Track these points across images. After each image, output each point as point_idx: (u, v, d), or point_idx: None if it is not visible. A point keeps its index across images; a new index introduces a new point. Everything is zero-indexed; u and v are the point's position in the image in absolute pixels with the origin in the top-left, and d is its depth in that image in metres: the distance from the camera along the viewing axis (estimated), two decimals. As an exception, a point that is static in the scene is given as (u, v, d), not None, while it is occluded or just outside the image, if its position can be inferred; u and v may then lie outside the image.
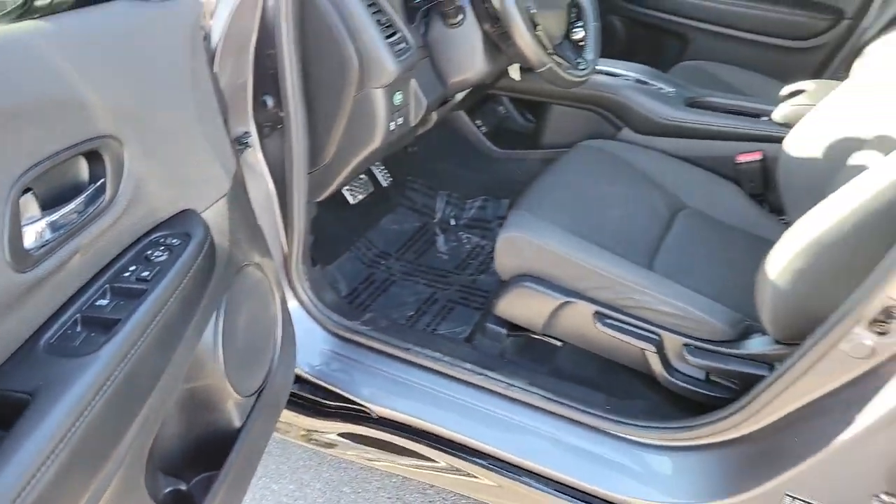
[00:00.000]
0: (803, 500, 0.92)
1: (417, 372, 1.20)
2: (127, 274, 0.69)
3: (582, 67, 1.30)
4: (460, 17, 1.24)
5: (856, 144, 1.11)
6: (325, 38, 1.11)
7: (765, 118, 1.50)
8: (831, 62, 2.07)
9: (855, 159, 1.08)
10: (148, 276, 0.69)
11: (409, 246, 1.74)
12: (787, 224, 1.04)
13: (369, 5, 1.14)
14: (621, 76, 1.66)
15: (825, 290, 0.90)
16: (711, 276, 1.20)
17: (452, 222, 1.82)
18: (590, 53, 1.36)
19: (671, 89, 1.63)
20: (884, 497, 0.85)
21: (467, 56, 1.28)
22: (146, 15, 0.75)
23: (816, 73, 2.11)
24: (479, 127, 1.83)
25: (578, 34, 1.36)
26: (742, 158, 1.49)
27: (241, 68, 0.99)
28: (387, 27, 1.16)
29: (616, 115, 1.62)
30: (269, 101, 1.06)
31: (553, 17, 1.28)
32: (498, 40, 1.26)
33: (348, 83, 1.15)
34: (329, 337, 1.27)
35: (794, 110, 1.44)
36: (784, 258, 0.94)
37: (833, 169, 1.11)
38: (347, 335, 1.25)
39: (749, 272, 1.02)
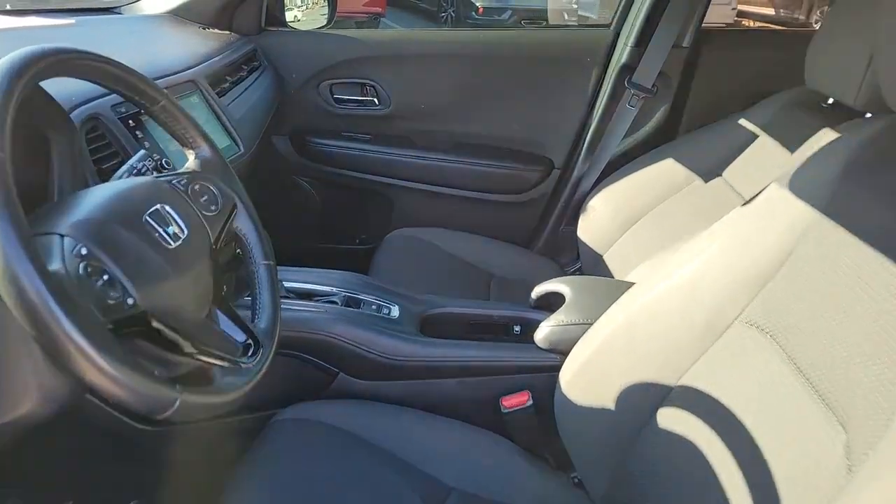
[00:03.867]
0: None
1: None
2: None
3: (249, 363, 0.75)
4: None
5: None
6: None
7: (530, 345, 1.11)
8: (551, 214, 1.85)
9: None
10: None
11: None
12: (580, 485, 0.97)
13: None
14: (323, 299, 1.16)
15: None
16: None
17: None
18: (263, 319, 0.83)
19: (394, 307, 1.18)
20: None
21: None
22: None
23: (538, 227, 1.90)
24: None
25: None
26: (508, 404, 1.08)
27: None
28: None
29: (327, 360, 1.11)
30: None
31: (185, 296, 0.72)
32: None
33: None
34: None
35: (560, 332, 1.07)
36: None
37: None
38: None
39: None
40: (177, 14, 1.66)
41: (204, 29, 1.63)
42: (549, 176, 1.85)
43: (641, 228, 1.55)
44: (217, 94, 1.34)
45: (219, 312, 0.78)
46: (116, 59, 0.75)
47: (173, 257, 0.68)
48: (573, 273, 1.80)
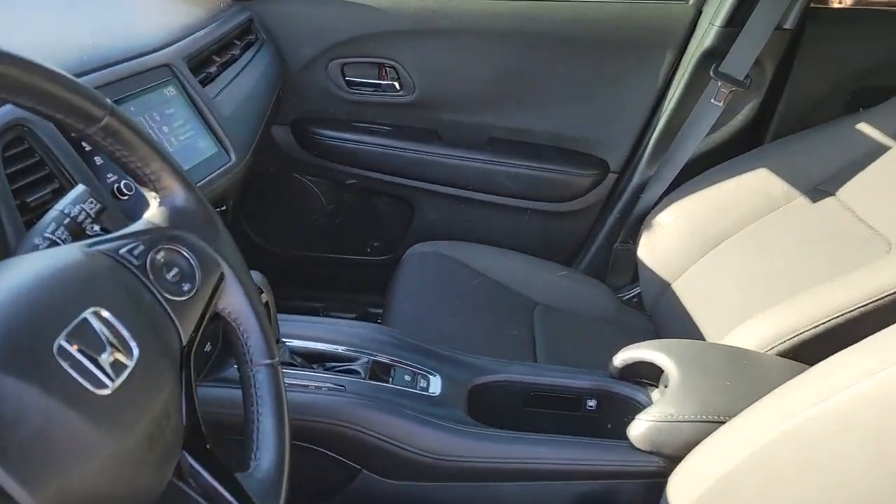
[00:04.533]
0: None
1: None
2: None
3: None
4: None
5: None
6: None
7: (620, 442, 0.82)
8: (602, 227, 1.56)
9: None
10: None
11: None
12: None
13: None
14: (340, 366, 0.87)
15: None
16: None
17: None
18: (265, 458, 0.53)
19: (434, 377, 0.89)
20: None
21: None
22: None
23: (584, 242, 1.60)
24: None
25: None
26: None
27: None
28: None
29: (347, 454, 0.82)
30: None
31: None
32: None
33: None
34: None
35: (668, 430, 0.78)
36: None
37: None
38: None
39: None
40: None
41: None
42: (602, 181, 1.54)
43: (726, 255, 1.26)
44: (200, 81, 1.03)
45: (192, 464, 0.49)
46: (35, 37, 0.45)
47: (108, 412, 0.39)
48: (628, 299, 1.51)
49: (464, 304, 1.31)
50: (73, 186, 0.67)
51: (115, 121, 0.48)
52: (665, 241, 1.37)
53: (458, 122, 1.55)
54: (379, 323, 1.24)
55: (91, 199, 0.57)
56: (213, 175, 0.94)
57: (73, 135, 0.66)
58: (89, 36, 0.88)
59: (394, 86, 1.52)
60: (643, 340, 0.92)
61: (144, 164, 0.51)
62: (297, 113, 1.57)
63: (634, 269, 1.48)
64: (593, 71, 1.45)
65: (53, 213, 0.56)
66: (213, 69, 1.10)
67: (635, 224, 1.47)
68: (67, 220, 0.56)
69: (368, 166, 1.58)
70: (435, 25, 1.44)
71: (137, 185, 0.54)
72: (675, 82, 1.42)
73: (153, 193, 0.53)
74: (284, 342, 0.86)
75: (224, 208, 1.02)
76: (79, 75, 0.72)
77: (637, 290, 1.48)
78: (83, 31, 0.87)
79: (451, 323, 1.25)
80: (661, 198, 1.42)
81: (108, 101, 0.48)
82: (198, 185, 0.58)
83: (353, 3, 1.46)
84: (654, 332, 1.33)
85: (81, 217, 0.56)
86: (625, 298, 1.51)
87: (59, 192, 0.68)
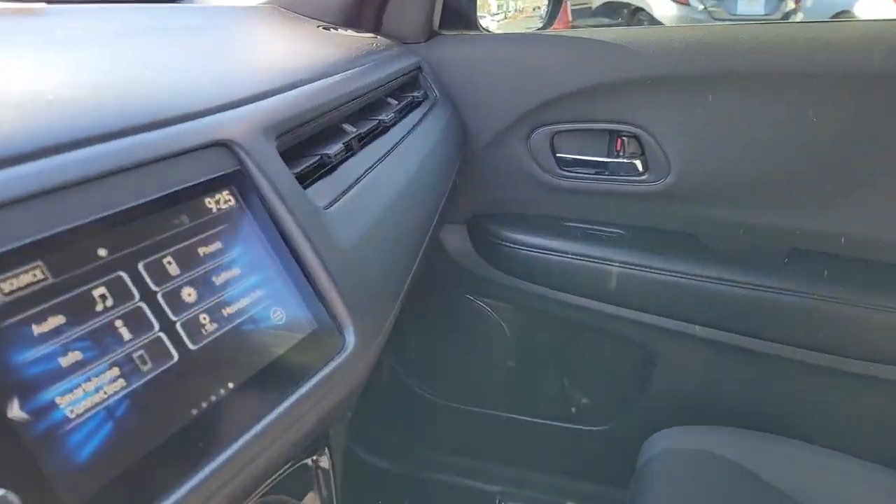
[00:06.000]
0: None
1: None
2: None
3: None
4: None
5: None
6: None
7: None
8: None
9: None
10: None
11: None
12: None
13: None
14: None
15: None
16: None
17: None
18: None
19: None
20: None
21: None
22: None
23: None
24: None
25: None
26: None
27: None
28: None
29: None
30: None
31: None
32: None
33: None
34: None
35: None
36: None
37: None
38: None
39: None
40: (279, 4, 0.90)
41: (327, 29, 0.85)
42: None
43: None
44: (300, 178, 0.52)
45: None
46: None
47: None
48: None
49: None
50: None
51: None
52: None
53: (738, 222, 0.94)
54: None
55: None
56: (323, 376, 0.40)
57: None
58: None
59: (635, 166, 0.95)
60: None
61: None
62: (476, 206, 1.05)
63: None
64: None
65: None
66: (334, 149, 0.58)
67: None
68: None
69: (583, 291, 1.00)
70: (706, 67, 0.85)
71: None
72: None
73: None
74: None
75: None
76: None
77: None
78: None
79: None
80: None
81: None
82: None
83: (565, 39, 0.92)
84: None
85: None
86: None
87: None
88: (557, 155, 0.98)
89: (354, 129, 0.61)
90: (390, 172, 0.62)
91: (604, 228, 1.01)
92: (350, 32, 0.87)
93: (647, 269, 0.96)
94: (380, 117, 0.68)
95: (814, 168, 0.86)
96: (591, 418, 1.12)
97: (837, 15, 5.29)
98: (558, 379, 1.15)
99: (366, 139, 0.63)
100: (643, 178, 0.94)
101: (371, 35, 0.88)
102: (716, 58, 0.84)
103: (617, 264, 0.97)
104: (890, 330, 0.86)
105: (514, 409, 1.17)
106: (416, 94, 0.82)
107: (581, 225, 1.02)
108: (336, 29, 0.86)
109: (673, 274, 0.95)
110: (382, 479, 1.27)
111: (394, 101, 0.77)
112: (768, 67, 0.82)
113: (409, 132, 0.73)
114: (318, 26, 0.84)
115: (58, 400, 0.28)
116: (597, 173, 0.97)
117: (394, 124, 0.70)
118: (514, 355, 1.14)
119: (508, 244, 1.01)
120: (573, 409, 1.15)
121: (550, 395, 1.16)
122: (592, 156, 0.97)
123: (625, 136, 0.94)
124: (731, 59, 0.83)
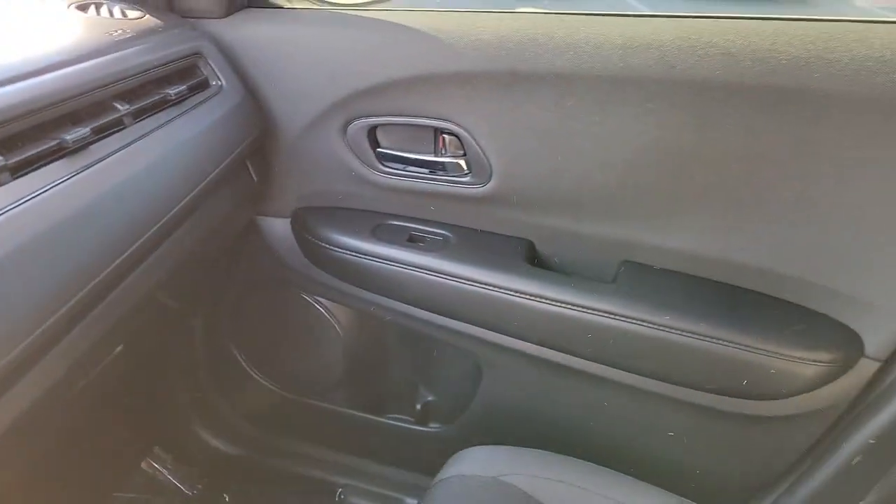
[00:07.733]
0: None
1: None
2: None
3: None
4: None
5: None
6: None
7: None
8: (839, 447, 0.79)
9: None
10: None
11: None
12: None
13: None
14: None
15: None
16: None
17: None
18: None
19: None
20: None
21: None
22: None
23: (805, 473, 0.83)
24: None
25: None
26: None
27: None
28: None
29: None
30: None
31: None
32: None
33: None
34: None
35: None
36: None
37: None
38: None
39: None
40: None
41: (83, 9, 0.74)
42: (848, 370, 0.77)
43: None
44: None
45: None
46: None
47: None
48: None
49: None
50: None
51: None
52: None
53: (568, 231, 0.86)
54: None
55: None
56: None
57: None
58: None
59: (459, 166, 0.86)
60: None
61: None
62: (299, 199, 0.96)
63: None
64: (856, 151, 0.70)
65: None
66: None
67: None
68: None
69: (402, 298, 0.93)
70: (522, 64, 0.75)
71: None
72: None
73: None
74: None
75: None
76: None
77: None
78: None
79: None
80: None
81: None
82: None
83: (389, 23, 0.82)
84: None
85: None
86: None
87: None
88: (378, 150, 0.88)
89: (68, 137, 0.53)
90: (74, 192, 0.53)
91: (430, 230, 0.93)
92: (123, 9, 0.75)
93: (476, 284, 0.88)
94: (104, 120, 0.59)
95: (642, 180, 0.78)
96: (430, 419, 1.08)
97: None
98: (396, 379, 1.10)
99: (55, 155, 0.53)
100: (466, 179, 0.86)
101: (140, 14, 0.76)
102: (529, 53, 0.74)
103: (437, 275, 0.89)
104: (677, 348, 0.80)
105: (353, 406, 1.12)
106: (180, 87, 0.71)
107: (406, 224, 0.93)
108: (100, 8, 0.74)
109: (497, 290, 0.87)
110: (233, 466, 1.23)
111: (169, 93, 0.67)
112: (585, 68, 0.73)
113: (145, 135, 0.63)
114: (69, 5, 0.73)
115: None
116: (420, 171, 0.88)
117: (118, 130, 0.61)
118: (349, 354, 1.07)
119: (325, 244, 0.93)
120: (412, 409, 1.10)
121: (389, 393, 1.11)
122: (418, 153, 0.87)
123: (446, 133, 0.85)
124: (548, 56, 0.74)
